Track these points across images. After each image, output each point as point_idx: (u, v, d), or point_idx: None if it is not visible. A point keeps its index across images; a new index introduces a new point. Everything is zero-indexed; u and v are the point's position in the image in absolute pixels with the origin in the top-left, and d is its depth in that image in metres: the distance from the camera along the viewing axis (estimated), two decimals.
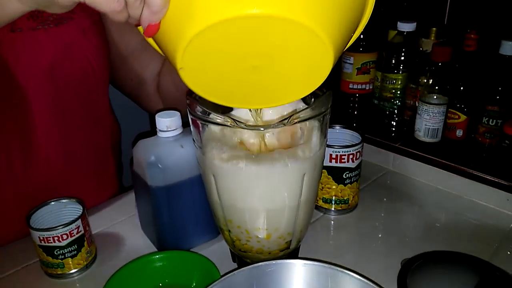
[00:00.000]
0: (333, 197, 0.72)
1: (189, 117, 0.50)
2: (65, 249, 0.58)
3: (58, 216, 0.62)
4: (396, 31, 0.82)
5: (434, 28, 0.84)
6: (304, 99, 0.56)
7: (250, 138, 0.49)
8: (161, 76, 0.85)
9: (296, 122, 0.45)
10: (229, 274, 0.46)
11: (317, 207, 0.74)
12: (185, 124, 0.60)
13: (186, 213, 0.61)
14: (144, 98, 0.88)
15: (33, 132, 0.68)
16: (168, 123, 0.58)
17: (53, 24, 0.66)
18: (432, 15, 0.87)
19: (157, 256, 0.57)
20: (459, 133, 0.82)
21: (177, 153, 0.58)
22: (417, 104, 0.81)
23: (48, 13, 0.65)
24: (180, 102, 0.80)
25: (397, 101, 0.86)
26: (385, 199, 0.78)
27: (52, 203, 0.62)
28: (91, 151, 0.77)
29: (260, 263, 0.47)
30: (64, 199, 0.62)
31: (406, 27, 0.81)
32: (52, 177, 0.71)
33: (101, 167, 0.81)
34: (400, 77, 0.84)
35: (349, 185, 0.71)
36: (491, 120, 0.78)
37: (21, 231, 0.64)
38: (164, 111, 0.60)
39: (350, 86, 0.95)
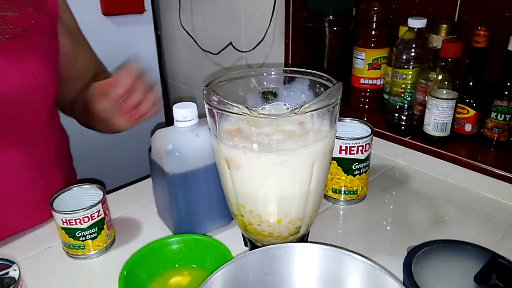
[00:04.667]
0: (342, 188, 0.74)
1: (205, 106, 0.53)
2: (86, 231, 0.62)
3: (80, 201, 0.65)
4: (407, 27, 0.84)
5: (445, 25, 0.86)
6: (314, 91, 0.58)
7: (263, 127, 0.52)
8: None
9: (307, 112, 0.47)
10: (241, 255, 0.49)
11: (327, 197, 0.76)
12: (200, 116, 0.63)
13: (201, 199, 0.64)
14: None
15: None
16: (184, 113, 0.61)
17: None
18: (443, 12, 0.88)
19: (173, 239, 0.60)
20: (468, 127, 0.84)
21: (193, 142, 0.61)
22: (427, 99, 0.83)
23: None
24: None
25: (408, 96, 0.88)
26: (393, 192, 0.80)
27: (74, 188, 0.65)
28: (27, 168, 0.73)
29: (271, 246, 0.50)
30: (85, 184, 0.66)
31: (417, 23, 0.82)
32: None
33: (44, 180, 0.76)
34: (410, 72, 0.85)
35: (358, 176, 0.73)
36: (499, 115, 0.79)
37: None
38: (181, 103, 0.63)
39: (361, 81, 0.97)
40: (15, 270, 0.45)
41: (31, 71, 0.68)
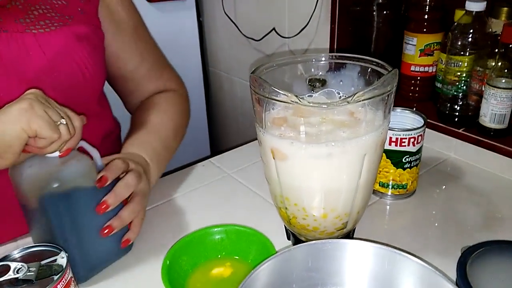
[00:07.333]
0: (391, 181, 0.71)
1: (251, 94, 0.51)
2: None
3: None
4: (464, 11, 0.78)
5: (505, 8, 0.80)
6: (365, 78, 0.55)
7: (312, 116, 0.49)
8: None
9: (360, 101, 0.44)
10: (285, 250, 0.47)
11: (373, 191, 0.73)
12: None
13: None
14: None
15: None
16: None
17: (43, 29, 0.64)
18: None
19: (215, 230, 0.59)
20: None
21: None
22: (483, 88, 0.78)
23: (40, 17, 0.63)
24: None
25: (462, 85, 0.82)
26: (444, 186, 0.76)
27: None
28: None
29: (317, 241, 0.48)
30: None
31: (475, 6, 0.77)
32: None
33: None
34: (466, 59, 0.80)
35: (408, 169, 0.69)
36: None
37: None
38: None
39: (412, 69, 0.92)
40: (62, 257, 0.45)
41: (77, 61, 0.67)
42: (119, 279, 0.58)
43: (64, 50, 0.65)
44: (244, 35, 1.33)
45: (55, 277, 0.43)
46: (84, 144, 0.52)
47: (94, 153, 0.53)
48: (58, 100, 0.65)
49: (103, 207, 0.53)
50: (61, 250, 0.46)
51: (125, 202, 0.57)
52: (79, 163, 0.51)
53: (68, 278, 0.44)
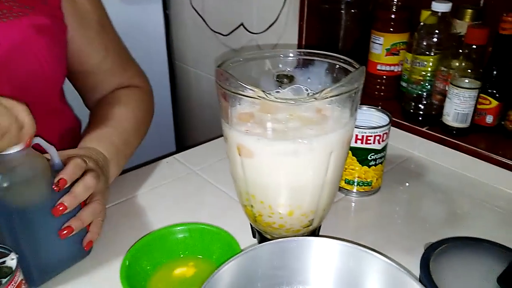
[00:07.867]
0: (356, 179, 0.71)
1: (217, 89, 0.49)
2: None
3: None
4: (430, 11, 0.79)
5: (470, 10, 0.81)
6: (332, 75, 0.55)
7: (279, 113, 0.48)
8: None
9: (327, 97, 0.44)
10: (250, 248, 0.46)
11: (339, 188, 0.73)
12: None
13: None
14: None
15: None
16: None
17: (0, 19, 0.61)
18: None
19: (178, 228, 0.58)
20: (489, 119, 0.80)
21: None
22: (447, 88, 0.79)
23: None
24: None
25: (427, 84, 0.84)
26: (407, 184, 0.77)
27: None
28: None
29: (282, 239, 0.47)
30: None
31: (441, 7, 0.78)
32: None
33: None
34: (431, 59, 0.81)
35: (373, 167, 0.69)
36: None
37: None
38: None
39: (378, 67, 0.93)
40: (12, 259, 0.42)
41: (36, 54, 0.64)
42: (75, 282, 0.55)
43: (22, 42, 0.62)
44: (212, 29, 1.31)
45: (4, 280, 0.40)
46: (40, 141, 0.49)
47: (51, 150, 0.50)
48: (15, 94, 0.62)
49: (60, 208, 0.50)
50: (11, 251, 0.43)
51: (82, 203, 0.54)
52: (34, 162, 0.48)
53: (18, 281, 0.41)
